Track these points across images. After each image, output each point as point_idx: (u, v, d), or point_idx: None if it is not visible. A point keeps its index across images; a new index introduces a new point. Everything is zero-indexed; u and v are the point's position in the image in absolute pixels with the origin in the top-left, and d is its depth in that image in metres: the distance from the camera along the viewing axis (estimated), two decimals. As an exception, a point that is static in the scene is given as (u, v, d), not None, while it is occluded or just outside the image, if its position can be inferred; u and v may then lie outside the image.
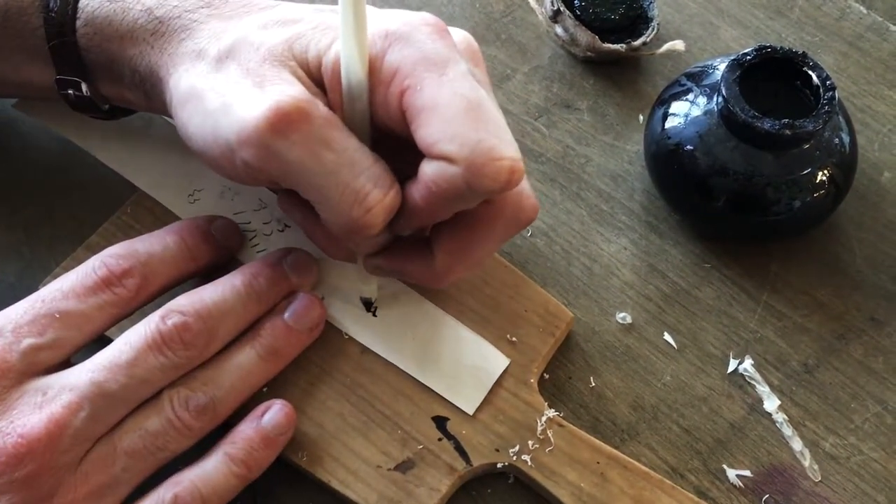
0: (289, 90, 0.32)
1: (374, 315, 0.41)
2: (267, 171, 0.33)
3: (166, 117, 0.43)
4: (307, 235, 0.39)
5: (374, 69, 0.33)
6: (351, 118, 0.34)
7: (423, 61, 0.32)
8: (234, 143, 0.33)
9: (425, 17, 0.34)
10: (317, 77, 0.34)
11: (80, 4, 0.38)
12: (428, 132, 0.31)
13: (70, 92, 0.39)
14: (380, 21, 0.33)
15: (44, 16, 0.38)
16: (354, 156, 0.32)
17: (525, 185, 0.35)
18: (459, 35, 0.35)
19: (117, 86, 0.39)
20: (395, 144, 0.34)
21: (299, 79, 0.33)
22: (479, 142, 0.31)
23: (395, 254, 0.37)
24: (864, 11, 0.53)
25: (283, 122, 0.32)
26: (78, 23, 0.38)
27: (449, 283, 0.37)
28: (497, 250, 0.38)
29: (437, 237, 0.36)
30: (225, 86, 0.34)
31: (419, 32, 0.33)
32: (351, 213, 0.33)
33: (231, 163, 0.34)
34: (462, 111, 0.31)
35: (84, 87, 0.39)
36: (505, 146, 0.31)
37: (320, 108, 0.33)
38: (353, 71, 0.32)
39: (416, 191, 0.33)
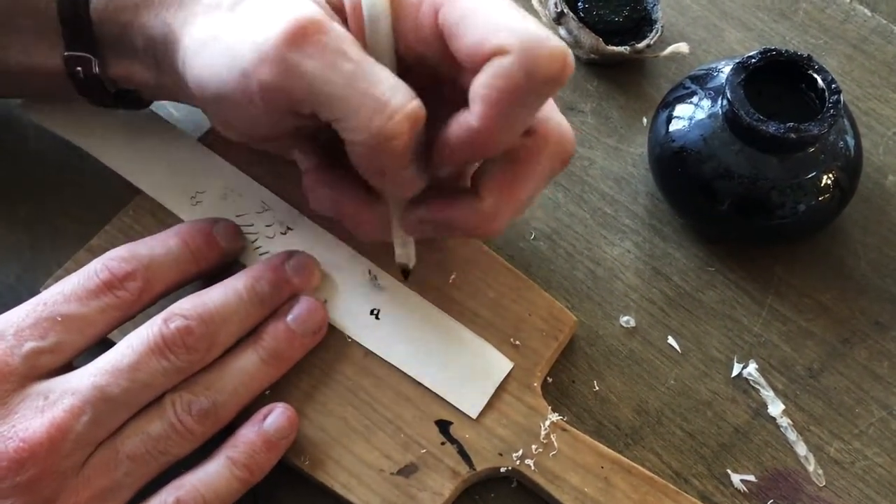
0: (305, 6, 0.32)
1: (378, 318, 0.40)
2: (285, 89, 0.32)
3: (171, 100, 0.43)
4: (337, 216, 0.38)
5: None
6: (374, 47, 0.33)
7: None
8: (250, 64, 0.32)
9: None
10: (339, 10, 0.34)
11: None
12: (474, 33, 0.31)
13: (79, 70, 0.38)
14: None
15: None
16: (373, 67, 0.32)
17: (564, 120, 0.35)
18: None
19: (127, 60, 0.38)
20: (421, 86, 0.33)
21: (317, 2, 0.33)
22: (529, 28, 0.31)
23: (439, 202, 0.36)
24: (869, 14, 0.53)
25: (300, 34, 0.31)
26: None
27: (497, 229, 0.36)
28: (543, 188, 0.37)
29: (483, 177, 0.35)
30: (241, 20, 0.34)
31: None
32: (373, 122, 0.32)
33: (247, 93, 0.33)
34: (504, 6, 0.31)
35: (94, 63, 0.38)
36: (555, 38, 0.31)
37: (337, 25, 0.32)
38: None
39: (472, 114, 0.32)
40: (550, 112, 0.35)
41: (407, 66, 0.34)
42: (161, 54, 0.37)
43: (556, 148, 0.35)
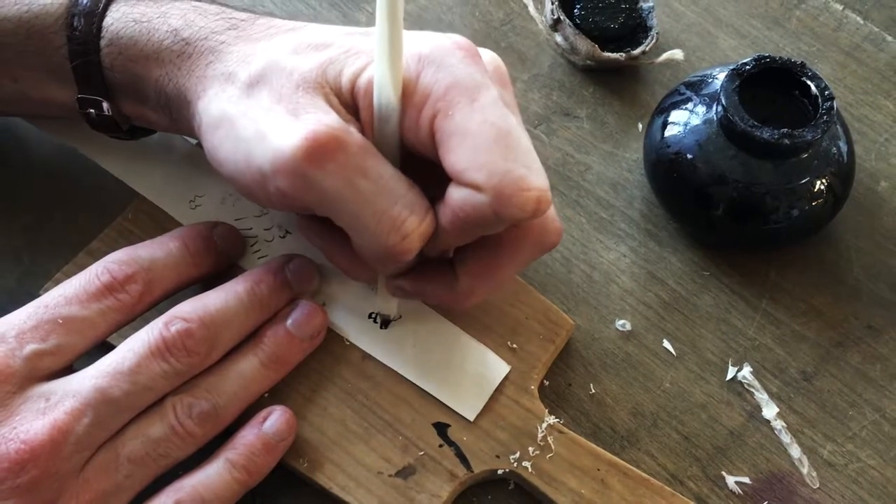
0: (324, 119, 0.32)
1: (376, 322, 0.41)
2: (302, 199, 0.33)
3: (189, 138, 0.43)
4: (328, 259, 0.39)
5: (406, 92, 0.33)
6: (381, 140, 0.34)
7: (456, 86, 0.32)
8: (269, 171, 0.33)
9: (457, 39, 0.34)
10: (348, 101, 0.34)
11: (105, 24, 0.37)
12: (457, 159, 0.32)
13: (91, 111, 0.39)
14: (412, 43, 0.33)
15: (67, 34, 0.37)
16: (390, 183, 0.33)
17: (551, 210, 0.35)
18: (488, 56, 0.35)
19: (140, 106, 0.39)
20: (421, 167, 0.34)
21: (332, 106, 0.33)
22: (508, 172, 0.31)
23: (418, 276, 0.37)
24: (861, 22, 0.53)
25: (319, 152, 0.32)
26: (102, 42, 0.37)
27: (470, 305, 0.37)
28: (519, 273, 0.38)
29: (461, 259, 0.36)
30: (257, 112, 0.34)
31: (452, 56, 0.33)
32: (388, 240, 0.33)
33: (264, 190, 0.34)
34: (492, 139, 0.31)
35: (106, 106, 0.38)
36: (533, 176, 0.31)
37: (355, 135, 0.33)
38: (385, 93, 0.32)
39: (443, 215, 0.33)
40: None
41: (406, 154, 0.35)
42: (175, 109, 0.38)
43: (538, 239, 0.35)
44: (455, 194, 0.32)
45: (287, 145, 0.32)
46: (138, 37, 0.37)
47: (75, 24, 0.37)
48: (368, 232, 0.33)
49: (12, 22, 0.38)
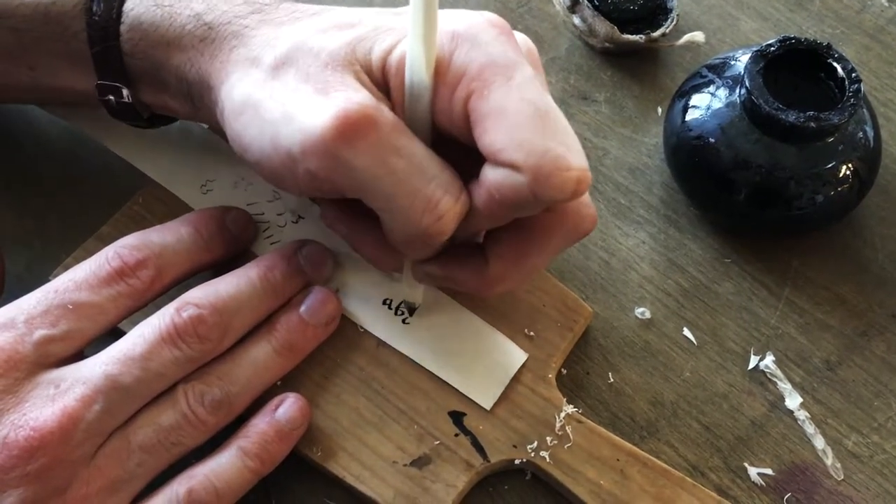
0: (354, 96, 0.31)
1: (391, 308, 0.40)
2: (333, 180, 0.32)
3: (207, 125, 0.42)
4: (354, 248, 0.38)
5: (439, 70, 0.32)
6: (412, 120, 0.33)
7: (491, 65, 0.31)
8: (298, 152, 0.32)
9: (490, 17, 0.33)
10: (379, 79, 0.33)
11: (125, 8, 0.36)
12: (494, 138, 0.31)
13: (111, 98, 0.38)
14: (445, 21, 0.32)
15: (86, 20, 0.37)
16: (423, 162, 0.32)
17: (586, 195, 0.34)
18: (520, 38, 0.34)
19: (161, 93, 0.38)
20: (449, 151, 0.33)
21: (363, 83, 0.32)
22: (547, 151, 0.30)
23: (447, 260, 0.36)
24: (886, 4, 0.52)
25: (351, 130, 0.31)
26: (122, 27, 0.36)
27: (499, 292, 0.36)
28: (553, 260, 0.36)
29: (493, 243, 0.35)
30: (284, 93, 0.33)
31: (486, 34, 0.32)
32: (422, 221, 0.32)
33: (292, 173, 0.33)
34: (529, 118, 0.30)
35: (126, 93, 0.38)
36: (573, 155, 0.30)
37: (387, 113, 0.32)
38: (418, 71, 0.31)
39: (478, 196, 0.32)
40: None
41: (437, 135, 0.34)
42: (196, 95, 0.37)
43: (573, 226, 0.34)
44: (491, 175, 0.31)
45: (317, 125, 0.31)
46: (160, 21, 0.36)
47: (94, 8, 0.36)
48: (402, 213, 0.32)
49: (29, 7, 0.37)
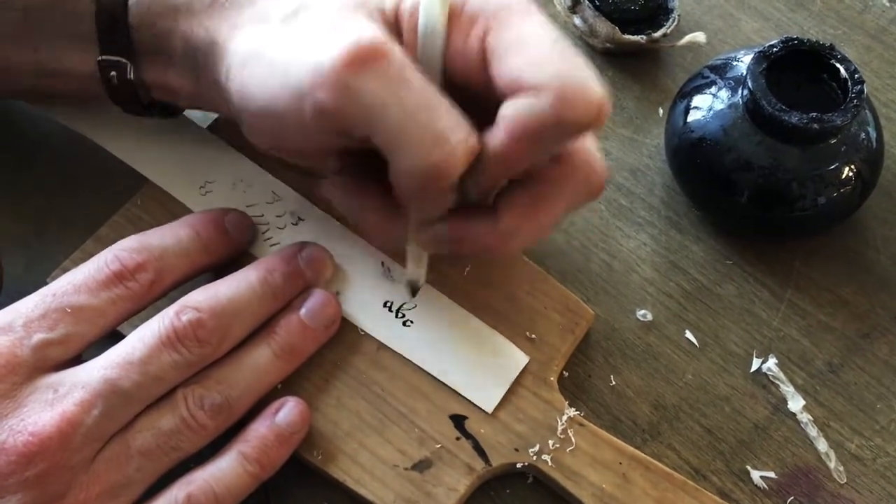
0: (367, 29, 0.31)
1: (391, 311, 0.40)
2: (342, 113, 0.31)
3: (206, 109, 0.42)
4: (355, 220, 0.37)
5: (453, 15, 0.32)
6: (424, 65, 0.32)
7: (506, 8, 0.31)
8: (307, 86, 0.31)
9: None
10: (391, 23, 0.33)
11: None
12: (514, 64, 0.30)
13: (113, 75, 0.37)
14: None
15: None
16: (434, 98, 0.31)
17: (597, 151, 0.34)
18: None
19: (164, 67, 0.37)
20: (461, 104, 0.32)
21: (376, 22, 0.32)
22: (572, 70, 0.30)
23: (456, 218, 0.34)
24: (887, 4, 0.52)
25: (362, 58, 0.30)
26: (130, 1, 0.36)
27: (512, 251, 0.35)
28: (564, 217, 0.35)
29: (504, 198, 0.34)
30: (293, 36, 0.33)
31: None
32: (431, 155, 0.30)
33: (299, 112, 0.32)
34: (551, 45, 0.30)
35: (129, 68, 0.37)
36: (596, 83, 0.30)
37: (398, 50, 0.31)
38: (432, 15, 0.31)
39: (493, 138, 0.31)
40: (584, 141, 0.34)
41: (449, 84, 0.33)
42: (201, 63, 0.36)
43: (582, 179, 0.33)
44: (509, 108, 0.30)
45: (329, 55, 0.30)
46: None
47: None
48: (412, 147, 0.31)
49: None
